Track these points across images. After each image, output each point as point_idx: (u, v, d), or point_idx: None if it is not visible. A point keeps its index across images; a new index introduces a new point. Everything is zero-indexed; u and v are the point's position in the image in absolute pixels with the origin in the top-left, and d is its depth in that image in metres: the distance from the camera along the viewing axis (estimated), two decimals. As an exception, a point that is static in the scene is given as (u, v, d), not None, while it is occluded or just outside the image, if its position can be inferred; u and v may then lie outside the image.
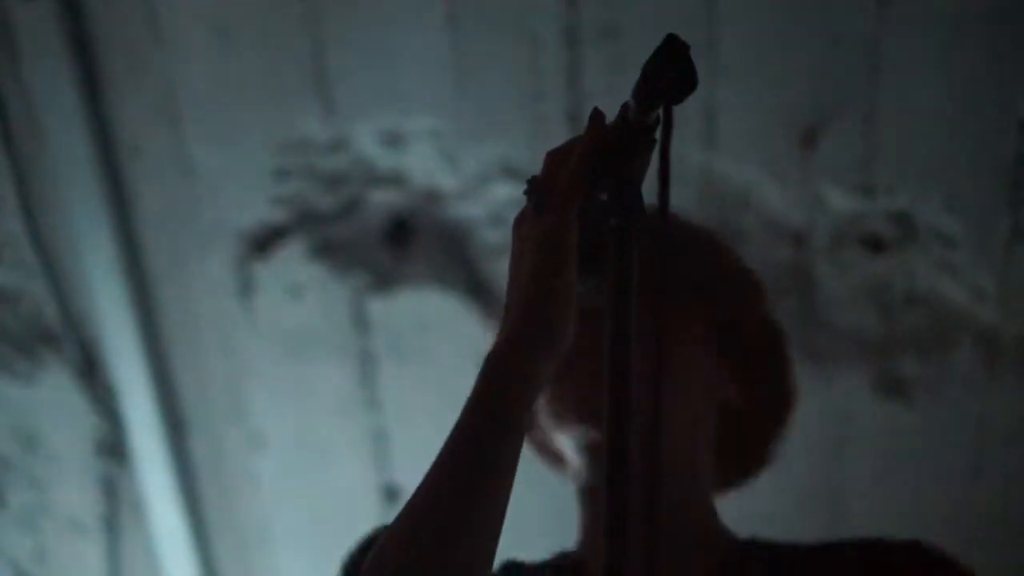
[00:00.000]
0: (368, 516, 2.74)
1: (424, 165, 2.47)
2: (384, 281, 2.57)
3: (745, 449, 1.48)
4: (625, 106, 1.02)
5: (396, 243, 2.54)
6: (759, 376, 1.44)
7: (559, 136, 2.29)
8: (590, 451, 1.35)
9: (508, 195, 2.45)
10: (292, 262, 2.57)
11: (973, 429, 2.44)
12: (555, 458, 1.48)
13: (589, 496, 1.39)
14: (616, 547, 0.87)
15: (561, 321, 1.05)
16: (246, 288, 2.61)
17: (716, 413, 1.42)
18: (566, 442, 1.38)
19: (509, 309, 1.08)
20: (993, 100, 2.22)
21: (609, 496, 0.89)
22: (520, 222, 1.11)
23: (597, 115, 1.06)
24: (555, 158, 1.09)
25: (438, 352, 2.61)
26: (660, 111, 0.96)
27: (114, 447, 2.80)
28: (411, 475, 2.82)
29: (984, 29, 2.18)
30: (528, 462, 1.27)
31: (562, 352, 1.05)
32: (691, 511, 1.37)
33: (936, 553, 1.34)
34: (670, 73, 0.92)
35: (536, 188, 1.08)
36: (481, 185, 2.47)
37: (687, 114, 0.95)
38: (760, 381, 1.44)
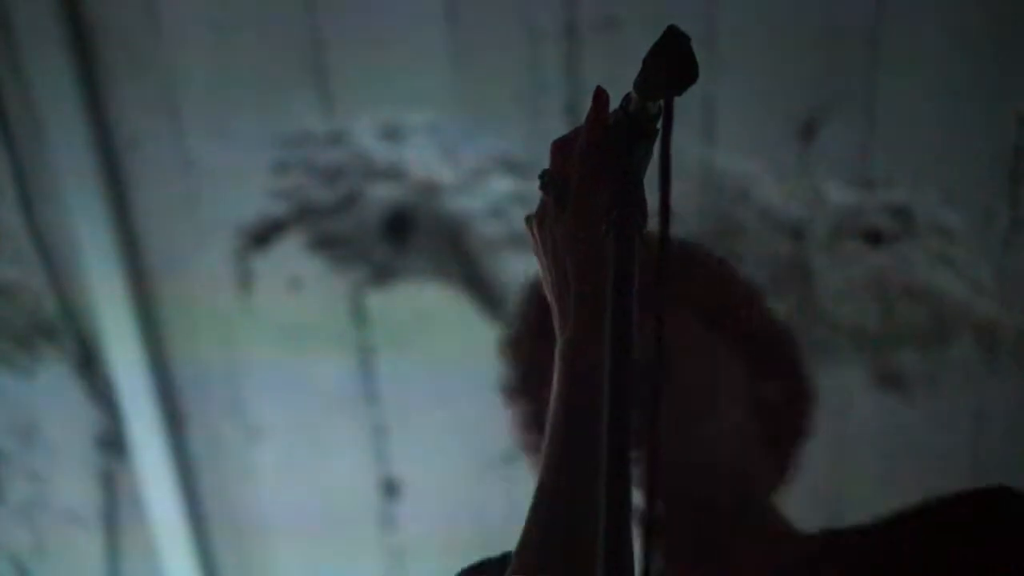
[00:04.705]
0: (367, 510, 2.74)
1: (422, 158, 2.47)
2: (383, 274, 2.57)
3: (787, 438, 1.51)
4: (627, 97, 1.02)
5: (395, 236, 2.54)
6: (786, 368, 1.48)
7: (558, 129, 2.28)
8: None
9: (507, 188, 2.46)
10: (291, 255, 2.57)
11: (971, 421, 2.44)
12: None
13: None
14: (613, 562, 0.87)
15: None
16: (245, 281, 2.61)
17: (756, 415, 1.45)
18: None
19: (563, 309, 1.09)
20: (991, 94, 2.22)
21: (609, 502, 0.89)
22: (542, 218, 1.11)
23: (600, 94, 1.07)
24: (562, 147, 1.09)
25: (437, 345, 2.61)
26: (661, 103, 0.96)
27: (113, 440, 2.80)
28: (410, 468, 2.83)
29: (983, 23, 2.18)
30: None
31: None
32: (747, 515, 1.41)
33: (1013, 494, 1.35)
34: (671, 65, 0.92)
35: (552, 180, 1.08)
36: (479, 178, 2.47)
37: (686, 107, 0.95)
38: (787, 371, 1.48)
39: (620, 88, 1.06)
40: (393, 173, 2.50)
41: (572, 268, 1.08)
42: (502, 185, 2.46)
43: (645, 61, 0.95)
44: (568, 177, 1.07)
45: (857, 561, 1.38)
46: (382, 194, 2.52)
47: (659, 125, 0.98)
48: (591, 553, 1.00)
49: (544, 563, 1.06)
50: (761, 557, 1.39)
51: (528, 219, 1.14)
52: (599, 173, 1.04)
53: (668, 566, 1.39)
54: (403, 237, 2.54)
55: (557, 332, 1.10)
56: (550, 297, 1.11)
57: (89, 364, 2.72)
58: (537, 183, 1.10)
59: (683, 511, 1.37)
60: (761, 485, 1.44)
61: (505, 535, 1.12)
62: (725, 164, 2.33)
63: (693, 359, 1.37)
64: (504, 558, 1.32)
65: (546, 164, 1.13)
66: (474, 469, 2.59)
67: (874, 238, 2.36)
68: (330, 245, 2.57)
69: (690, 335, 1.38)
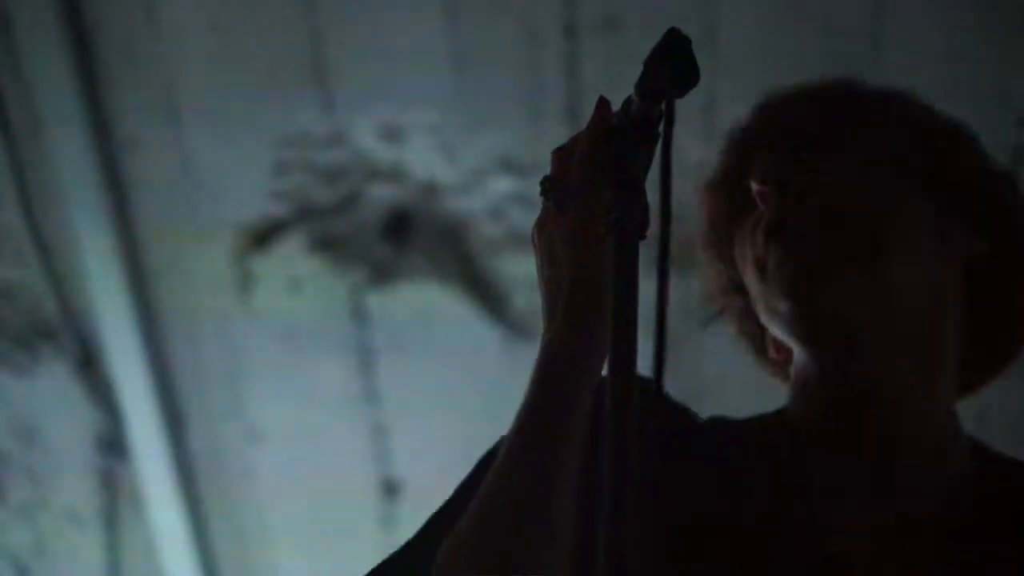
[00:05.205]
0: (367, 509, 2.74)
1: (423, 159, 2.47)
2: (383, 274, 2.57)
3: (995, 313, 1.33)
4: (628, 100, 1.02)
5: (395, 237, 2.54)
6: (999, 226, 1.30)
7: (558, 129, 2.29)
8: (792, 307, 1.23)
9: (507, 188, 2.45)
10: (291, 256, 2.57)
11: (971, 421, 2.43)
12: (769, 352, 1.37)
13: (801, 357, 1.28)
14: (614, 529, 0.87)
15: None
16: (245, 282, 2.61)
17: (963, 278, 1.28)
18: (771, 317, 1.27)
19: (554, 308, 1.09)
20: (992, 95, 2.22)
21: (612, 502, 0.89)
22: (543, 224, 1.12)
23: (602, 103, 1.07)
24: (562, 154, 1.10)
25: (437, 345, 2.61)
26: (663, 105, 0.96)
27: (113, 441, 2.80)
28: (410, 468, 2.83)
29: (984, 22, 2.18)
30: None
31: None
32: (925, 421, 1.27)
33: None
34: (672, 68, 0.92)
35: (552, 186, 1.09)
36: (480, 178, 2.47)
37: (687, 107, 0.95)
38: (1001, 231, 1.30)
39: (621, 88, 1.06)
40: (393, 173, 2.50)
41: (568, 271, 1.08)
42: (502, 185, 2.46)
43: (646, 64, 0.95)
44: (568, 183, 1.07)
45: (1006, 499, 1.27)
46: (382, 194, 2.52)
47: (660, 128, 0.98)
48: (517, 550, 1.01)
49: (471, 551, 1.06)
50: (928, 473, 1.26)
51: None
52: (599, 177, 1.04)
53: (818, 433, 1.26)
54: (403, 237, 2.54)
55: (543, 332, 1.10)
56: (543, 301, 1.11)
57: (89, 364, 2.72)
58: (538, 188, 1.11)
59: (855, 366, 1.24)
60: (950, 365, 1.29)
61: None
62: (725, 164, 2.33)
63: (871, 193, 1.25)
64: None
65: (545, 165, 1.13)
66: (474, 469, 2.60)
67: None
68: (330, 245, 2.57)
69: (872, 169, 1.27)
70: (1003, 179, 1.32)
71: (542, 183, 1.10)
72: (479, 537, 1.07)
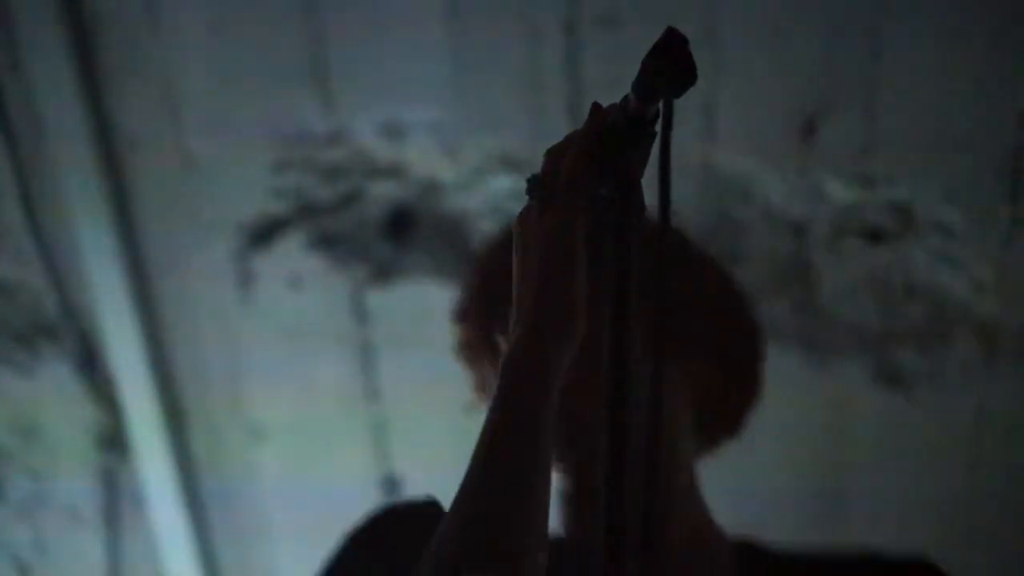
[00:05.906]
0: (368, 507, 2.74)
1: (423, 157, 2.47)
2: (384, 273, 2.57)
3: (720, 425, 1.44)
4: (625, 99, 1.02)
5: (395, 235, 2.54)
6: (735, 372, 1.41)
7: (559, 127, 2.29)
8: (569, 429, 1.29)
9: (507, 187, 2.46)
10: (292, 254, 2.58)
11: (972, 420, 2.44)
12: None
13: (565, 475, 1.36)
14: (613, 548, 0.87)
15: (575, 313, 1.05)
16: (246, 280, 2.61)
17: (692, 401, 1.38)
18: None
19: (521, 306, 1.08)
20: (993, 91, 2.22)
21: (607, 493, 0.88)
22: (523, 220, 1.11)
23: (595, 107, 1.07)
24: (554, 154, 1.09)
25: (438, 343, 2.60)
26: (660, 105, 0.96)
27: (114, 439, 2.80)
28: (411, 466, 2.83)
29: (985, 20, 2.18)
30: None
31: (577, 342, 1.05)
32: (682, 511, 1.36)
33: (938, 572, 1.34)
34: (669, 67, 0.92)
35: (538, 184, 1.08)
36: (480, 177, 2.47)
37: (686, 105, 0.95)
38: (735, 375, 1.41)
39: (622, 86, 1.06)
40: (393, 171, 2.50)
41: (539, 269, 1.07)
42: (503, 184, 2.46)
43: (643, 63, 0.95)
44: (556, 183, 1.07)
45: None
46: (382, 192, 2.52)
47: (658, 127, 0.97)
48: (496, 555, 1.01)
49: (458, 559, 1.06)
50: (686, 564, 1.34)
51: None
52: (587, 178, 1.04)
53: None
54: (404, 235, 2.54)
55: (512, 327, 1.09)
56: (514, 296, 1.10)
57: (90, 362, 2.72)
58: (525, 185, 1.10)
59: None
60: (691, 481, 1.38)
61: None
62: (725, 162, 2.33)
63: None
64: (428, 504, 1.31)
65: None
66: (475, 467, 2.59)
67: (875, 236, 2.36)
68: (331, 243, 2.57)
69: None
70: (746, 336, 1.41)
71: (529, 180, 1.09)
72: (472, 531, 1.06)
